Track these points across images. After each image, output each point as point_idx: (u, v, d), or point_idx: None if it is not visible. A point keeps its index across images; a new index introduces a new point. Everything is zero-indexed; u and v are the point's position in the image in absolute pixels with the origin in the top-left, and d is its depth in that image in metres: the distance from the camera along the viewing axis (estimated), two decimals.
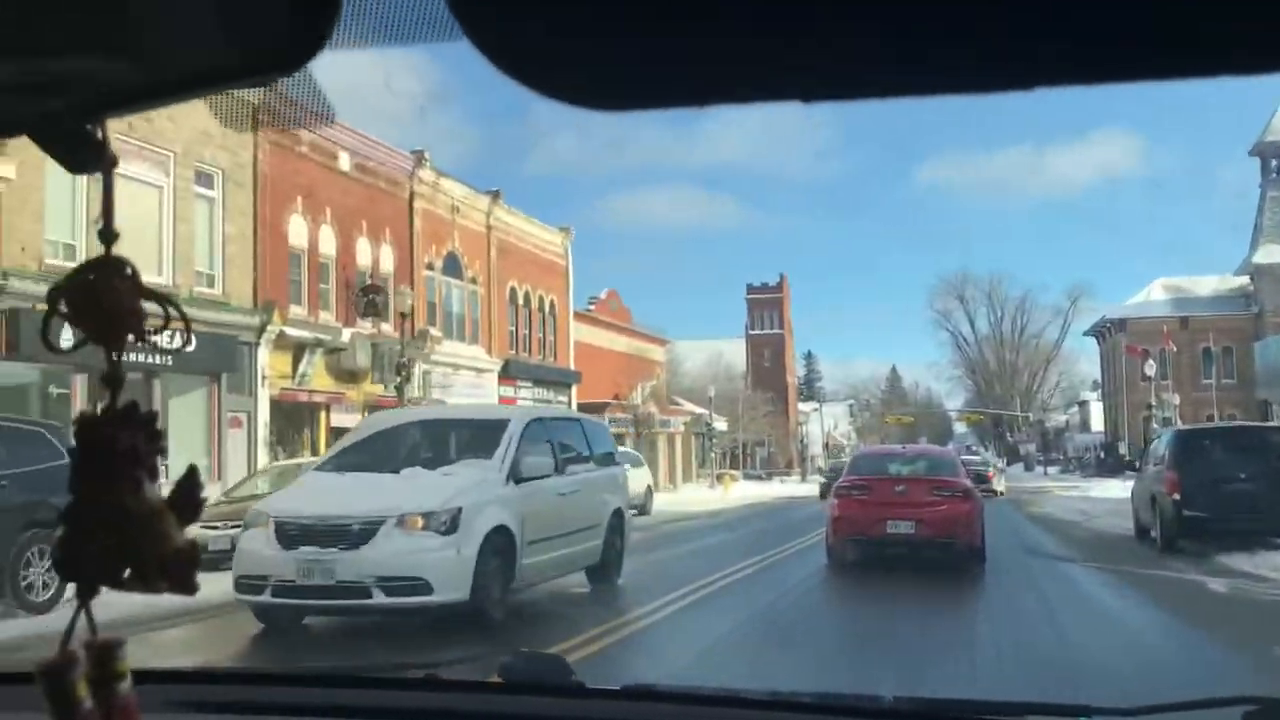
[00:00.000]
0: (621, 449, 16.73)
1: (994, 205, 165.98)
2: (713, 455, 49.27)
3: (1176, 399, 61.54)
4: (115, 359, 0.70)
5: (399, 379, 22.38)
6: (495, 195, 32.58)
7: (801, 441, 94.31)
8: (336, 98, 0.91)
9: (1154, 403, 56.86)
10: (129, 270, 0.70)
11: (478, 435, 10.42)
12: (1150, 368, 58.14)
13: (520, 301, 34.96)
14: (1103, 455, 68.69)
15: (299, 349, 22.86)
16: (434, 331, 28.18)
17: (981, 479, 27.49)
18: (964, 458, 24.55)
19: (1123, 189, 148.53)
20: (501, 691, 1.87)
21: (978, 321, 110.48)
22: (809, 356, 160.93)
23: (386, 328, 24.97)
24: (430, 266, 29.00)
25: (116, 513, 0.66)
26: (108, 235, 0.71)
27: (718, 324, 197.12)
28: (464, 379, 30.01)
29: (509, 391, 32.18)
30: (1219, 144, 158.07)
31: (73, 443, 0.70)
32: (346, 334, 24.22)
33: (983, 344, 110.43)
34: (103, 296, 0.68)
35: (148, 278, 0.71)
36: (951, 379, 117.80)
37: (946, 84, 0.54)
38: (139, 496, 0.67)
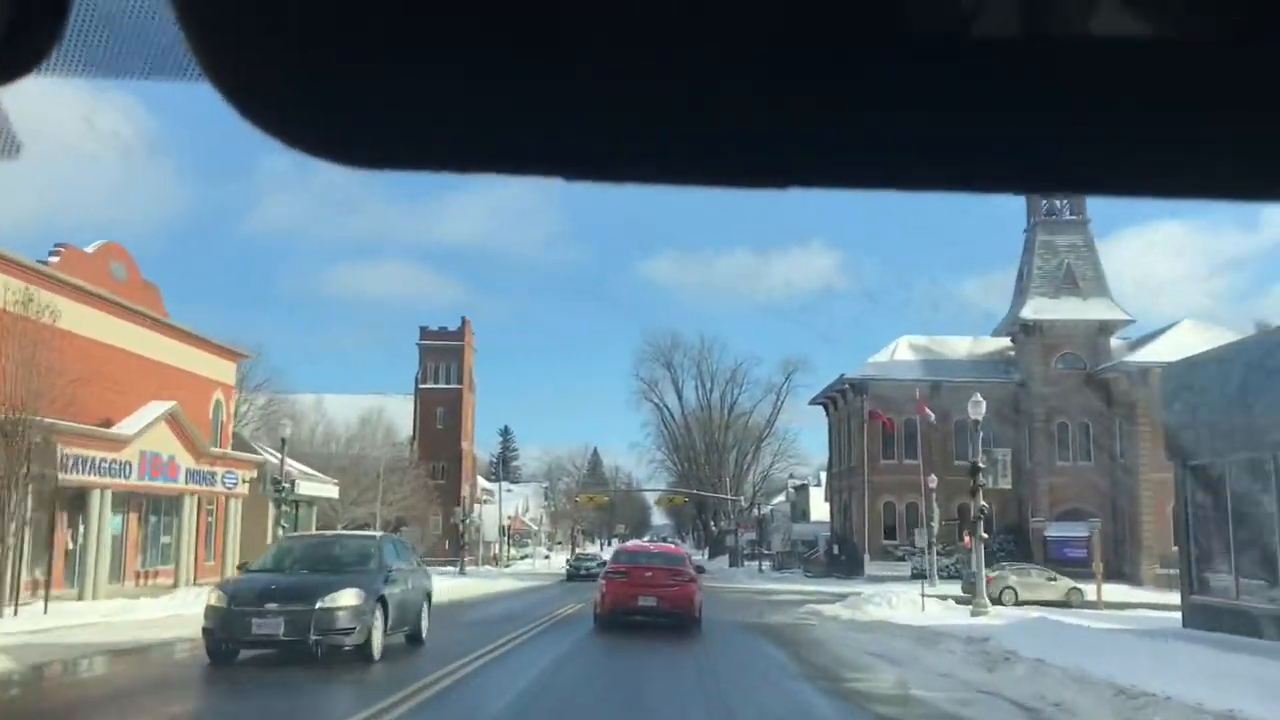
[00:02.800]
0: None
1: (715, 301, 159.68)
2: (282, 528, 29.87)
3: (934, 480, 48.20)
4: None
5: None
6: None
7: (467, 523, 76.16)
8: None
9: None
10: None
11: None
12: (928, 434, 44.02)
13: None
14: (836, 550, 54.48)
15: None
16: None
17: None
18: None
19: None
20: None
21: (686, 393, 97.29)
22: (506, 432, 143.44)
23: None
24: None
25: None
26: None
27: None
28: None
29: None
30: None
31: None
32: None
33: (690, 419, 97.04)
34: None
35: None
36: (654, 462, 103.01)
37: (694, 177, 0.57)
38: None
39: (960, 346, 57.21)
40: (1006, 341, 56.15)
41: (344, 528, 36.96)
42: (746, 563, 72.25)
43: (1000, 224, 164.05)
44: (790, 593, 42.95)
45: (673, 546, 30.34)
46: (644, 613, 19.35)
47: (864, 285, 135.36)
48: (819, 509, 75.26)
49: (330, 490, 42.30)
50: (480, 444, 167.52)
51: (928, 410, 51.62)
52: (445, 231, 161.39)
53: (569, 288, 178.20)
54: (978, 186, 0.56)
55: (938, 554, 50.57)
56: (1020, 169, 0.56)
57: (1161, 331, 50.48)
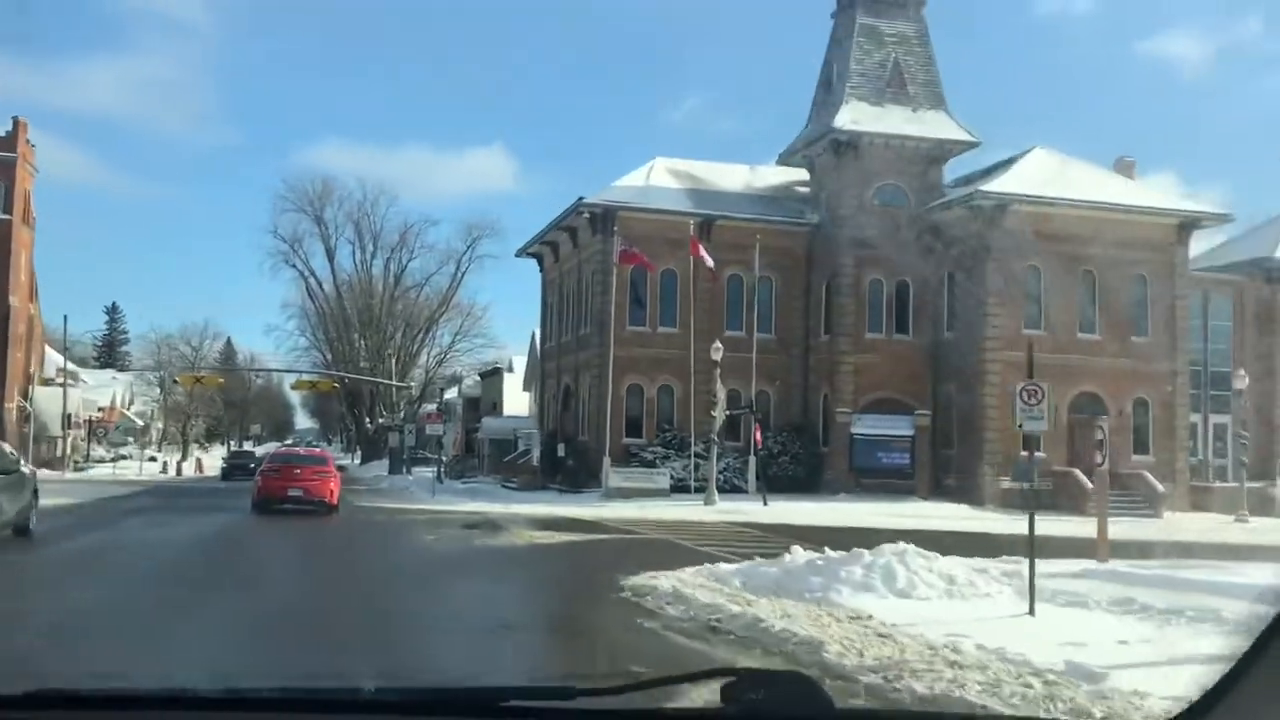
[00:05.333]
0: None
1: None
2: None
3: (718, 350, 32.66)
4: None
5: None
6: None
7: (17, 411, 52.68)
8: None
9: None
10: None
11: None
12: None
13: None
14: (562, 453, 37.75)
15: None
16: None
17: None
18: None
19: None
20: None
21: (340, 257, 76.42)
22: (113, 310, 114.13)
23: None
24: None
25: None
26: None
27: None
28: None
29: None
30: None
31: None
32: None
33: (343, 290, 76.50)
34: None
35: None
36: (296, 350, 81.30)
37: None
38: None
39: (734, 177, 41.70)
40: (800, 174, 41.27)
41: None
42: (415, 470, 54.32)
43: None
44: (514, 516, 25.90)
45: (319, 450, 37.58)
46: (292, 501, 24.60)
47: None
48: (515, 400, 58.41)
49: None
50: (82, 320, 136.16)
51: (703, 252, 35.68)
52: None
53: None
54: None
55: (697, 456, 35.30)
56: None
57: (1009, 162, 37.38)
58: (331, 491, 25.41)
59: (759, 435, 33.61)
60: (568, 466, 36.91)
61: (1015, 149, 38.91)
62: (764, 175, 42.18)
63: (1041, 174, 35.96)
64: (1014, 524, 30.06)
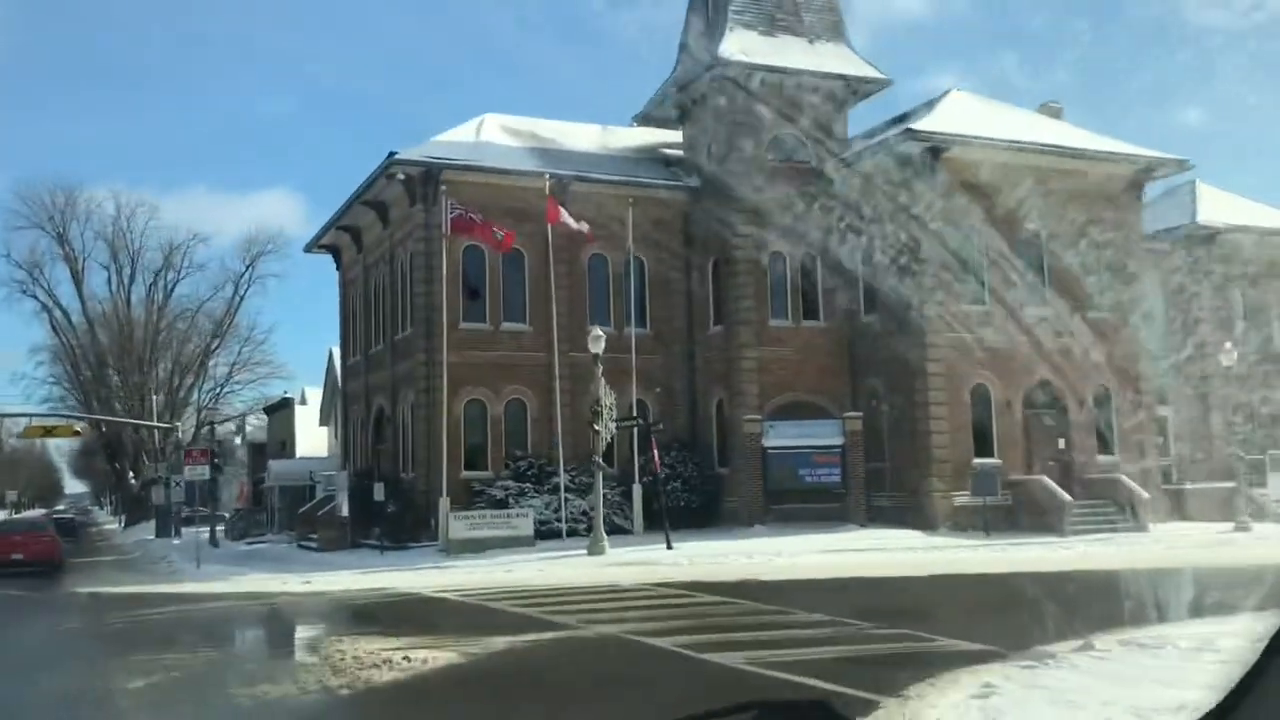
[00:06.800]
0: None
1: None
2: None
3: (599, 339, 24.21)
4: None
5: None
6: None
7: None
8: None
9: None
10: None
11: None
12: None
13: None
14: (382, 498, 27.96)
15: None
16: None
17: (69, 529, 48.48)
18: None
19: None
20: None
21: (91, 280, 63.45)
22: None
23: None
24: None
25: None
26: None
27: None
28: None
29: None
30: None
31: None
32: None
33: (96, 322, 63.51)
34: None
35: None
36: (50, 400, 67.43)
37: None
38: None
39: (585, 136, 33.24)
40: (667, 135, 33.28)
41: None
42: (189, 531, 42.81)
43: None
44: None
45: (40, 517, 46.39)
46: (14, 564, 26.46)
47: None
48: (312, 438, 47.74)
49: None
50: None
51: (566, 216, 27.16)
52: None
53: None
54: None
55: (566, 489, 26.70)
56: None
57: (926, 107, 30.48)
58: (52, 551, 28.53)
59: (656, 455, 25.04)
60: (389, 515, 27.23)
61: (917, 99, 32.17)
62: (620, 137, 33.93)
63: (967, 119, 29.19)
64: (997, 553, 22.74)
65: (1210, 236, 35.11)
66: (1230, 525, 26.24)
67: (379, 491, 26.99)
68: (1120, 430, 29.14)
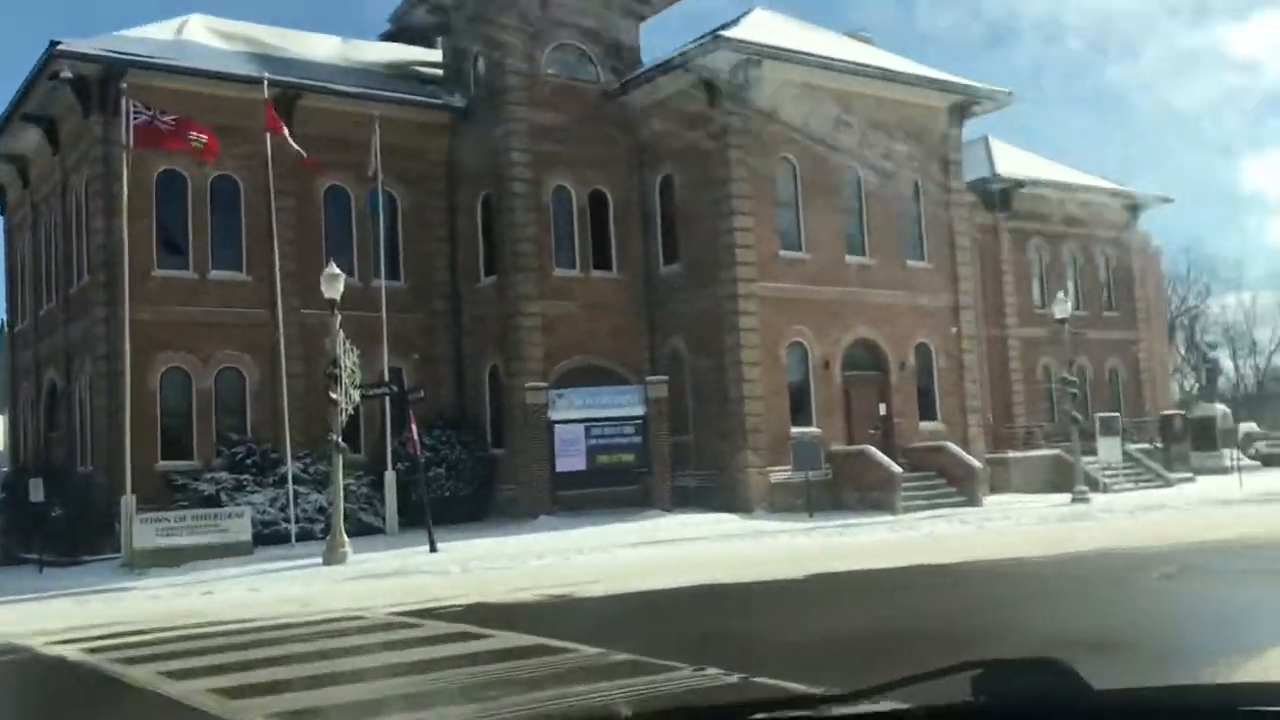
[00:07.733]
0: None
1: None
2: None
3: (335, 276, 18.41)
4: None
5: None
6: None
7: None
8: None
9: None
10: None
11: None
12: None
13: None
14: (42, 501, 20.96)
15: None
16: None
17: None
18: None
19: None
20: None
21: None
22: None
23: None
24: None
25: None
26: None
27: None
28: None
29: None
30: None
31: None
32: None
33: None
34: None
35: None
36: None
37: None
38: None
39: (318, 46, 27.11)
40: (424, 53, 27.68)
41: None
42: None
43: None
44: None
45: None
46: None
47: None
48: None
49: None
50: None
51: (288, 136, 21.26)
52: None
53: None
54: None
55: (297, 480, 20.95)
56: None
57: (726, 27, 26.36)
58: None
59: (415, 433, 19.53)
60: (54, 520, 20.44)
61: (717, 22, 28.10)
62: (365, 51, 28.04)
63: (774, 41, 25.30)
64: (840, 539, 18.89)
65: (1008, 190, 33.08)
66: (1067, 497, 23.69)
67: (36, 490, 20.11)
68: (942, 394, 26.18)
